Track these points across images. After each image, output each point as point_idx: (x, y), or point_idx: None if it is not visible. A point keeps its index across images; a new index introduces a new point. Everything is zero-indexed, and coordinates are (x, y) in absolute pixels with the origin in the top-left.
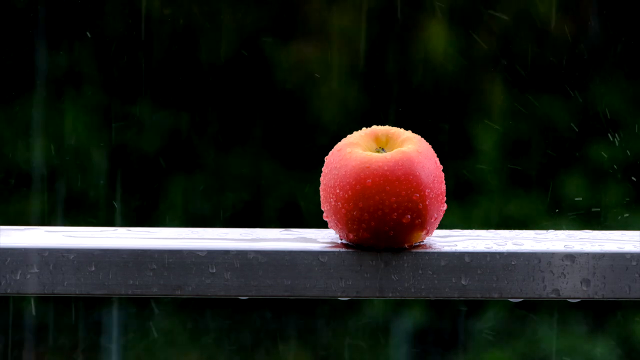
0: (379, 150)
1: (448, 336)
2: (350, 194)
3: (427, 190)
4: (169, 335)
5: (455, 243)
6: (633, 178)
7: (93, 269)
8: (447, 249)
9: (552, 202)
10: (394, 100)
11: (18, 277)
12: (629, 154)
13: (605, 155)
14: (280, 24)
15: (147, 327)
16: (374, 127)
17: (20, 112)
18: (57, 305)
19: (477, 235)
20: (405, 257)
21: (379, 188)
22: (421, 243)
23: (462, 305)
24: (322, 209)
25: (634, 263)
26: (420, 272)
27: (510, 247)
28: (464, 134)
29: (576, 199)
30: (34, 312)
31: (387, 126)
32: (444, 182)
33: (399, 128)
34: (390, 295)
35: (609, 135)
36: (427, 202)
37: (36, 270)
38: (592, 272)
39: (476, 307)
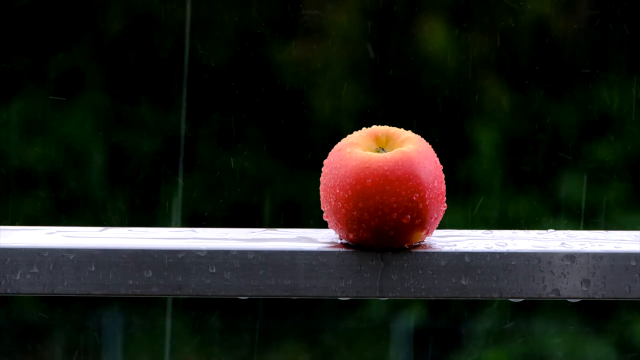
0: (379, 150)
1: (448, 336)
2: (350, 194)
3: (427, 190)
4: (168, 334)
5: (455, 243)
6: (633, 178)
7: (93, 269)
8: (447, 249)
9: (552, 202)
10: (394, 100)
11: (18, 277)
12: (629, 153)
13: (606, 155)
14: (281, 23)
15: (147, 327)
16: (374, 127)
17: (21, 112)
18: (56, 305)
19: (477, 235)
20: (405, 257)
21: (379, 188)
22: (421, 243)
23: (462, 305)
24: (322, 209)
25: (633, 263)
26: (420, 272)
27: (510, 247)
28: (464, 134)
29: (576, 198)
30: (33, 312)
31: (387, 126)
32: (444, 182)
33: (398, 128)
34: (390, 295)
35: (609, 135)
36: (427, 202)
37: (36, 270)
38: (592, 272)
39: (476, 307)
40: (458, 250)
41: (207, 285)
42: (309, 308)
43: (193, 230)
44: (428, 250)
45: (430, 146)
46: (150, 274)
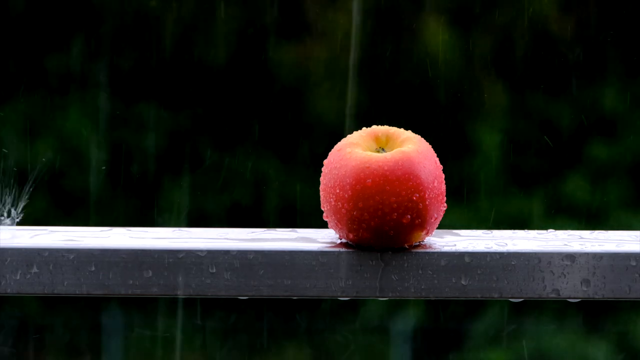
0: (379, 150)
1: (448, 336)
2: (350, 193)
3: (427, 190)
4: (168, 335)
5: (455, 243)
6: (633, 178)
7: (93, 269)
8: (447, 249)
9: (552, 202)
10: (393, 100)
11: (18, 277)
12: (629, 153)
13: (606, 155)
14: (280, 23)
15: (147, 327)
16: (374, 127)
17: (21, 112)
18: (56, 305)
19: (477, 235)
20: (405, 257)
21: (379, 188)
22: (421, 243)
23: (462, 305)
24: (322, 209)
25: (633, 263)
26: (420, 272)
27: (510, 247)
28: (464, 134)
29: (576, 199)
30: (33, 312)
31: (387, 126)
32: (444, 182)
33: (398, 128)
34: (390, 295)
35: (609, 135)
36: (427, 202)
37: (36, 270)
38: (592, 272)
39: (476, 307)
40: (458, 250)
41: (207, 285)
42: (308, 308)
43: (192, 230)
44: (428, 250)
45: (430, 146)
46: (150, 274)
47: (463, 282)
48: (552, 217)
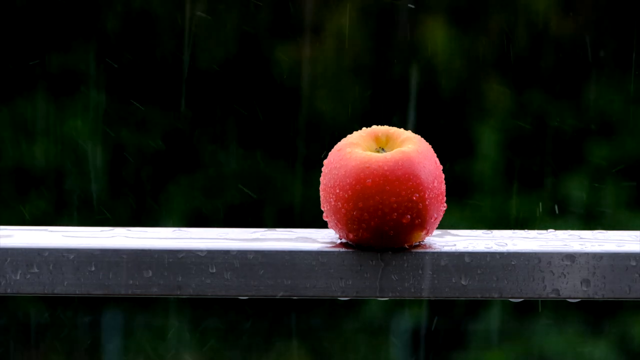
0: (379, 150)
1: (448, 336)
2: (350, 193)
3: (427, 190)
4: (168, 334)
5: (455, 243)
6: (633, 178)
7: (93, 269)
8: (447, 249)
9: (552, 202)
10: (394, 100)
11: (18, 277)
12: (629, 154)
13: (606, 156)
14: (280, 23)
15: (147, 327)
16: (374, 127)
17: (21, 111)
18: (56, 305)
19: (477, 235)
20: (405, 257)
21: (379, 188)
22: (421, 243)
23: (462, 305)
24: (322, 209)
25: (633, 263)
26: (420, 272)
27: (510, 247)
28: (464, 134)
29: (576, 199)
30: (34, 312)
31: (387, 126)
32: (444, 182)
33: (398, 128)
34: (390, 295)
35: (609, 135)
36: (427, 202)
37: (36, 270)
38: (592, 272)
39: (476, 307)
40: (458, 250)
41: (207, 285)
42: (308, 308)
43: (192, 230)
44: (428, 250)
45: (430, 146)
46: (150, 274)
47: (463, 282)
48: (552, 217)
